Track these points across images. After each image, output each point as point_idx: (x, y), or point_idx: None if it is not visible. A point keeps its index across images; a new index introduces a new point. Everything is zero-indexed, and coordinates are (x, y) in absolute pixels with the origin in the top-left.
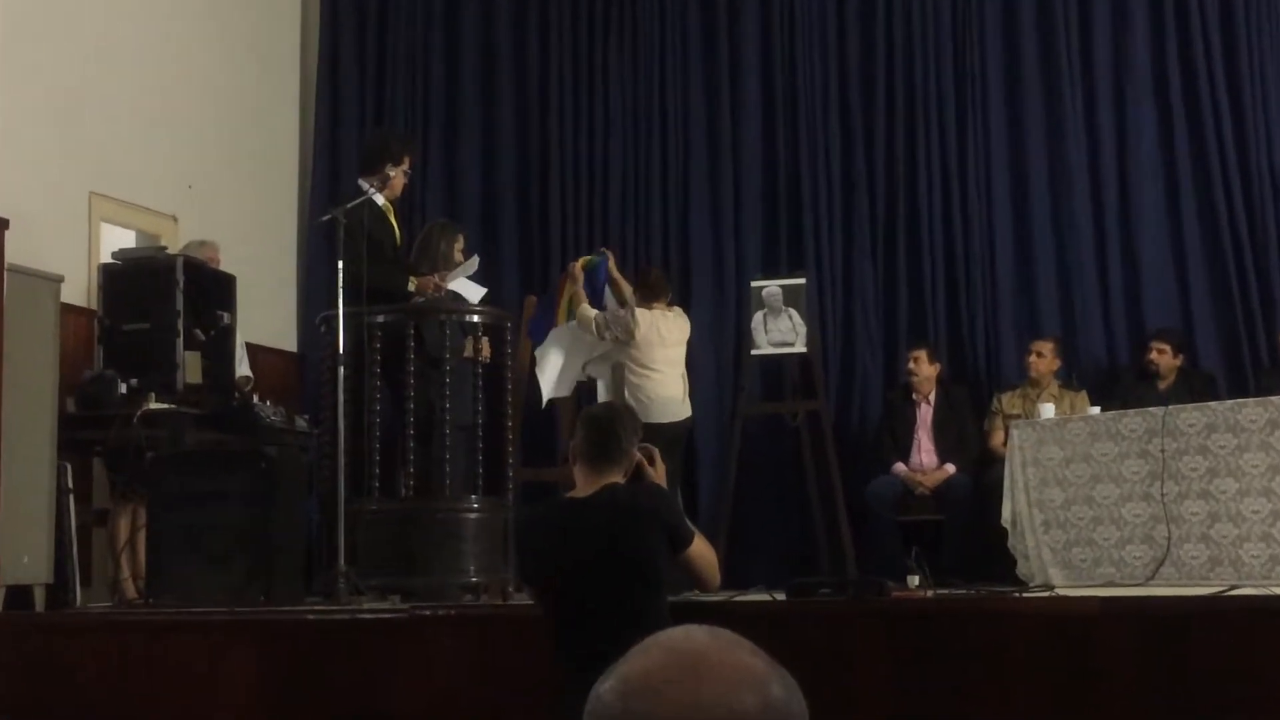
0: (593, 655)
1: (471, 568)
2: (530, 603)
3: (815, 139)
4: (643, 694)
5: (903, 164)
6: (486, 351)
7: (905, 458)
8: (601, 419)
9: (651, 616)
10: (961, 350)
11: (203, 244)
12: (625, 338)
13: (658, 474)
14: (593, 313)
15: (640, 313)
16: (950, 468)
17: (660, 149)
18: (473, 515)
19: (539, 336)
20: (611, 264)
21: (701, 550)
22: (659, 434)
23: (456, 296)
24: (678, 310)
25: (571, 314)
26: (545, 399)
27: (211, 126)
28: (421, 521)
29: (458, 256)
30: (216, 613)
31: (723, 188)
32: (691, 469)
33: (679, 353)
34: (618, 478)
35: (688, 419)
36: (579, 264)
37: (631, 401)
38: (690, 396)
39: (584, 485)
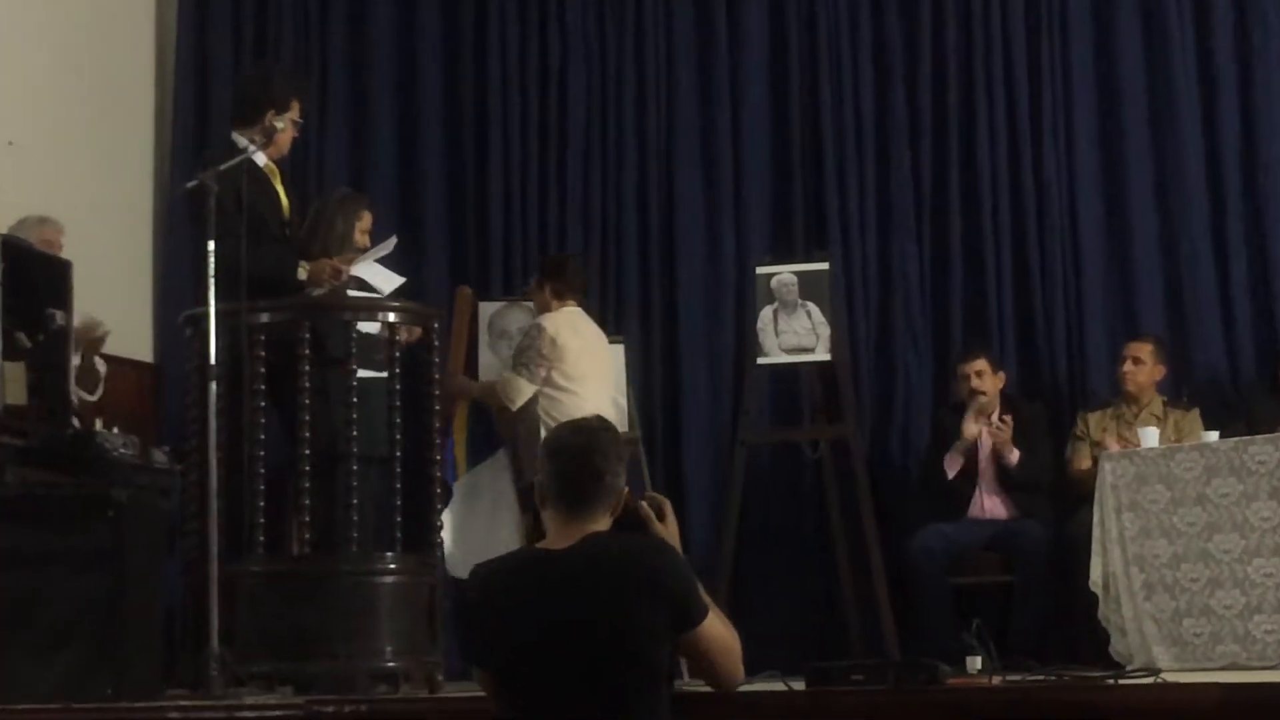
0: None
1: (388, 649)
2: (477, 694)
3: (841, 79)
4: None
5: (956, 114)
6: (412, 335)
7: (960, 503)
8: (573, 446)
9: (644, 712)
10: (1034, 357)
11: (42, 221)
12: (550, 353)
13: (667, 531)
14: (506, 375)
15: (550, 317)
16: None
17: (635, 92)
18: (389, 579)
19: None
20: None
21: (718, 633)
22: None
23: (363, 286)
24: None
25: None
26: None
27: (37, 63)
28: (321, 588)
29: (360, 238)
30: (48, 713)
31: (719, 142)
32: (679, 516)
33: (607, 364)
34: (602, 523)
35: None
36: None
37: (546, 434)
38: (677, 418)
39: (558, 534)
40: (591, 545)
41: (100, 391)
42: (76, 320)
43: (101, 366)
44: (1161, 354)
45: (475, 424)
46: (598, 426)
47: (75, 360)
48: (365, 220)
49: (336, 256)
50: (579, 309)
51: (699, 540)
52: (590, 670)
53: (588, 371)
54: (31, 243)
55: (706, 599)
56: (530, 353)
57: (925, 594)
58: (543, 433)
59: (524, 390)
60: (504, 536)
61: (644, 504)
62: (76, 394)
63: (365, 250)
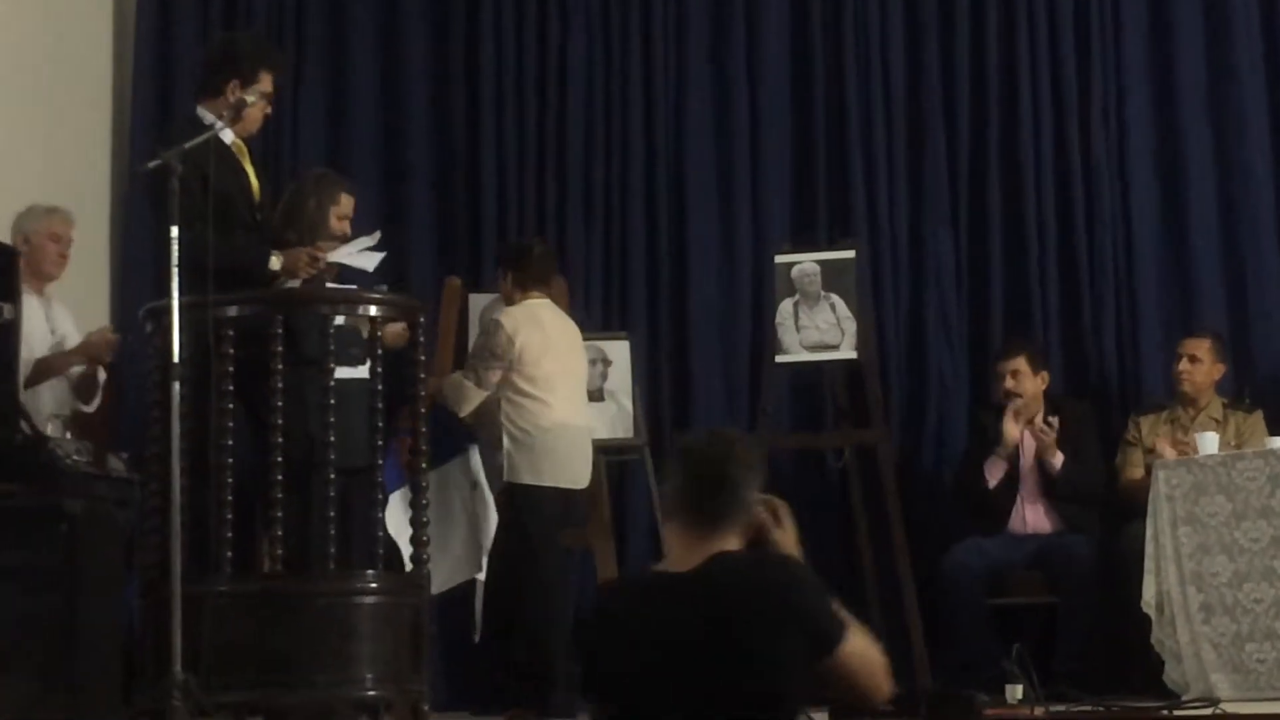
0: None
1: (368, 676)
2: None
3: (869, 46)
4: None
5: (996, 86)
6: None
7: (1000, 516)
8: (709, 455)
9: None
10: (1081, 355)
11: (50, 212)
12: (502, 354)
13: (785, 538)
14: (454, 376)
15: (510, 312)
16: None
17: (642, 63)
18: (370, 600)
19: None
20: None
21: (861, 648)
22: (543, 504)
23: (342, 277)
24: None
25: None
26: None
27: None
28: (295, 609)
29: (338, 224)
30: None
31: (734, 117)
32: None
33: (577, 363)
34: (732, 543)
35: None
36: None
37: (509, 445)
38: (687, 423)
39: (682, 554)
40: (719, 567)
41: (97, 403)
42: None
43: (102, 375)
44: (1221, 351)
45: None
46: (736, 436)
47: (79, 367)
48: (344, 205)
49: (310, 245)
50: (545, 300)
51: None
52: (719, 710)
53: (554, 373)
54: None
55: (844, 614)
56: (483, 353)
57: (961, 616)
58: (506, 442)
59: (469, 396)
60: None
61: (759, 509)
62: (73, 404)
63: (344, 239)
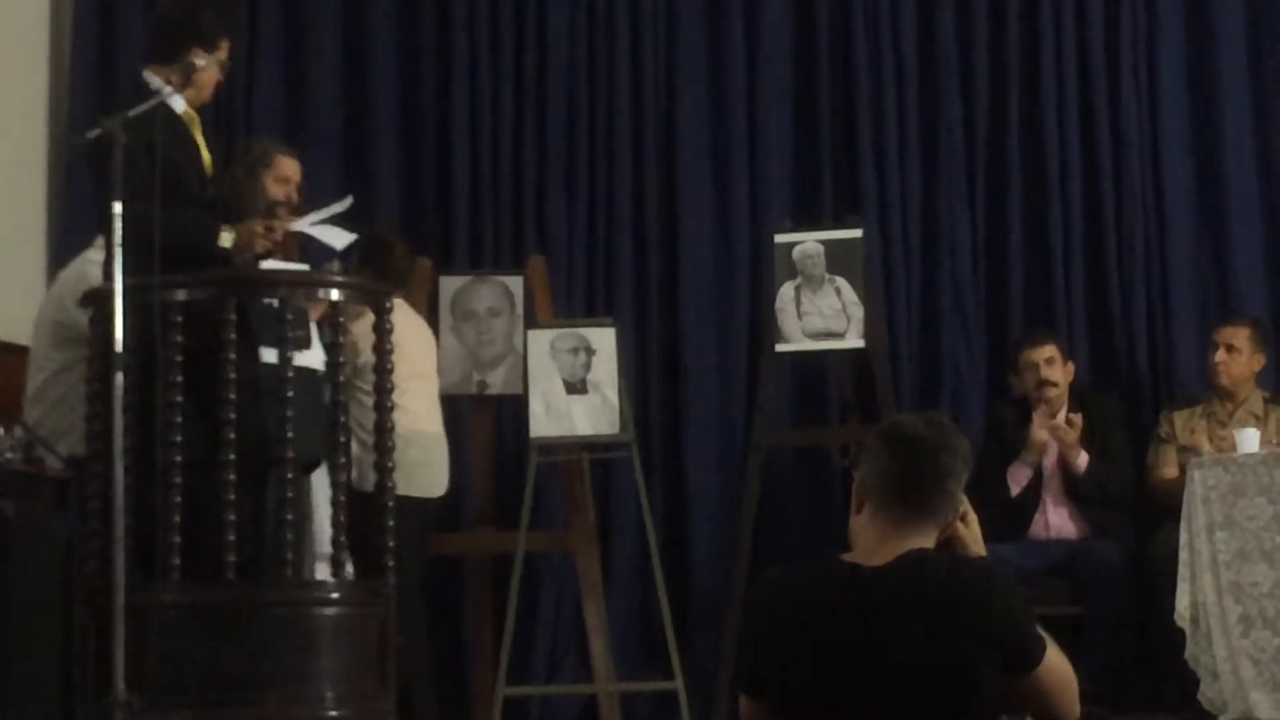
0: None
1: (329, 694)
2: None
3: (878, 5)
4: None
5: (1017, 50)
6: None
7: (1021, 519)
8: (923, 441)
9: None
10: (1109, 345)
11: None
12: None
13: (971, 534)
14: None
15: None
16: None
17: (629, 24)
18: (331, 611)
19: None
20: None
21: (1058, 667)
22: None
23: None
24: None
25: None
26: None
27: None
28: (249, 621)
29: (276, 188)
30: None
31: (730, 82)
32: (681, 529)
33: (427, 362)
34: (928, 540)
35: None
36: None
37: (359, 451)
38: (679, 418)
39: (874, 545)
40: (913, 565)
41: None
42: None
43: None
44: (1261, 340)
45: None
46: (950, 424)
47: None
48: (282, 167)
49: (257, 218)
50: (399, 301)
51: (704, 560)
52: (896, 718)
53: (404, 377)
54: None
55: (1041, 632)
56: None
57: None
58: (355, 449)
59: None
60: None
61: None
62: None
63: (279, 205)
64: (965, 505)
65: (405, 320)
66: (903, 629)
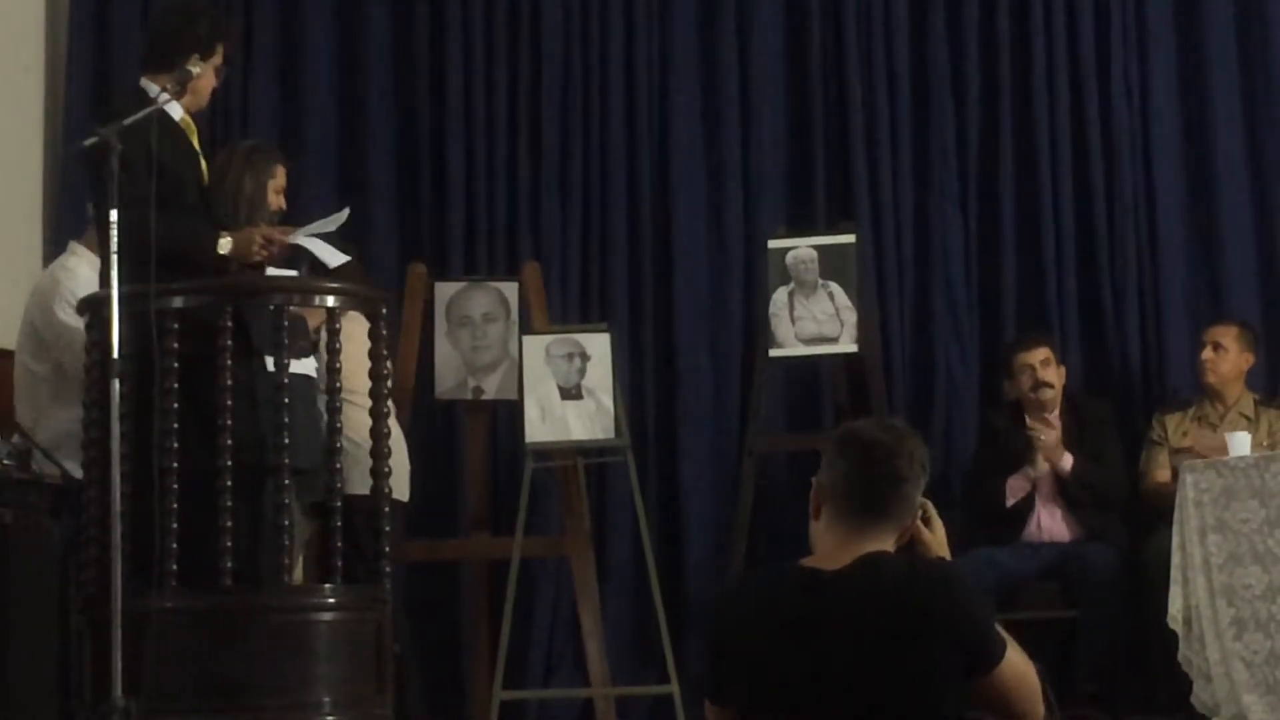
0: None
1: (326, 699)
2: None
3: (870, 11)
4: None
5: (1009, 54)
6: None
7: (1014, 523)
8: (877, 446)
9: None
10: (1101, 349)
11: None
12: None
13: (935, 539)
14: None
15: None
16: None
17: (623, 28)
18: (327, 616)
19: None
20: None
21: (1019, 669)
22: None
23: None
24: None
25: None
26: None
27: None
28: (246, 627)
29: (275, 199)
30: None
31: (723, 88)
32: (676, 533)
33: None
34: (887, 543)
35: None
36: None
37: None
38: (673, 423)
39: (832, 549)
40: (870, 568)
41: None
42: None
43: None
44: (1250, 340)
45: None
46: (907, 430)
47: None
48: (280, 178)
49: (250, 226)
50: (354, 312)
51: (698, 564)
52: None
53: (361, 384)
54: None
55: (1002, 632)
56: None
57: None
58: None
59: None
60: None
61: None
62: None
63: (281, 215)
64: (930, 509)
65: (361, 330)
66: (862, 631)
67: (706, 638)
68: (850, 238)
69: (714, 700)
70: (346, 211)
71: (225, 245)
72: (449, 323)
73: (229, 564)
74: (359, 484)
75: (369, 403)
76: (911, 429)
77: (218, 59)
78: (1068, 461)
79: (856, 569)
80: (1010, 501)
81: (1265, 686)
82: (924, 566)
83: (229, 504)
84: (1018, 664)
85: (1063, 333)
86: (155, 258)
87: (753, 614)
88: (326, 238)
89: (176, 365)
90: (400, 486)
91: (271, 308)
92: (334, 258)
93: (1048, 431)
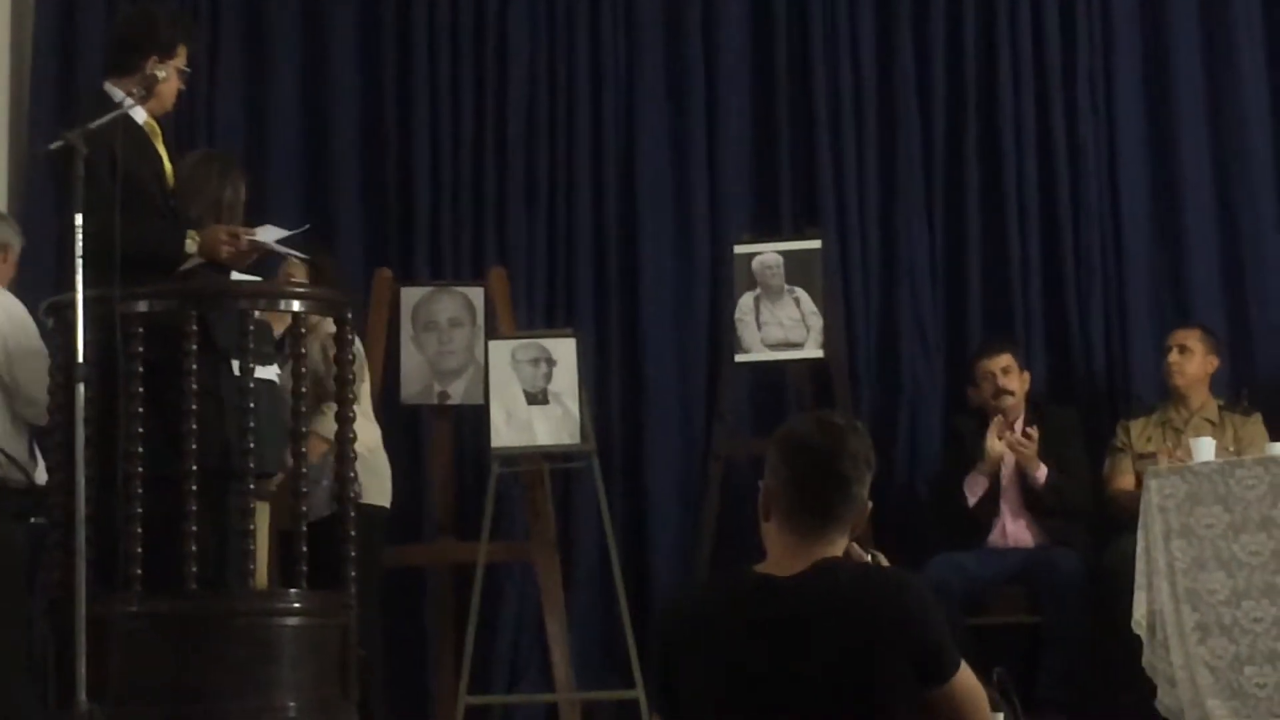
0: None
1: (291, 704)
2: None
3: (835, 17)
4: None
5: (975, 63)
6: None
7: (979, 529)
8: (819, 448)
9: None
10: (1066, 356)
11: None
12: None
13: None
14: None
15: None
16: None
17: (590, 35)
18: (292, 621)
19: None
20: None
21: (972, 682)
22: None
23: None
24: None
25: None
26: None
27: None
28: (211, 631)
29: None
30: None
31: (689, 94)
32: (642, 538)
33: (364, 386)
34: (838, 546)
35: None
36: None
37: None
38: (639, 427)
39: (784, 554)
40: (826, 574)
41: None
42: None
43: None
44: (1213, 344)
45: None
46: (847, 425)
47: None
48: (243, 187)
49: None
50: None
51: (662, 569)
52: None
53: (363, 390)
54: None
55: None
56: None
57: None
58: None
59: None
60: None
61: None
62: None
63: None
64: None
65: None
66: (816, 639)
67: (656, 645)
68: (816, 243)
69: (661, 711)
70: (306, 227)
71: (193, 244)
72: (415, 328)
73: (194, 568)
74: (376, 494)
75: (368, 410)
76: (852, 423)
77: (179, 61)
78: (1043, 473)
79: (812, 576)
80: (972, 501)
81: (1229, 691)
82: (879, 575)
83: (194, 508)
84: (971, 678)
85: (1028, 340)
86: (122, 261)
87: (705, 621)
88: (287, 241)
89: (141, 369)
90: (384, 492)
91: (238, 311)
92: (296, 253)
93: (1027, 444)
